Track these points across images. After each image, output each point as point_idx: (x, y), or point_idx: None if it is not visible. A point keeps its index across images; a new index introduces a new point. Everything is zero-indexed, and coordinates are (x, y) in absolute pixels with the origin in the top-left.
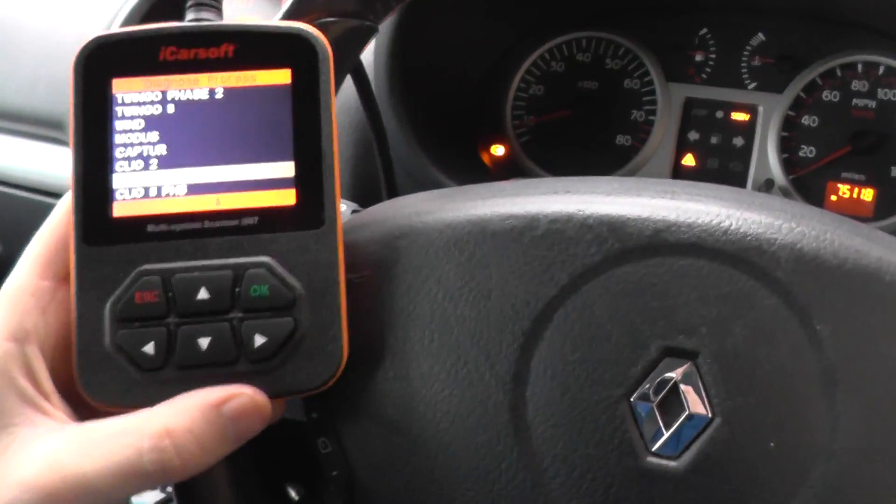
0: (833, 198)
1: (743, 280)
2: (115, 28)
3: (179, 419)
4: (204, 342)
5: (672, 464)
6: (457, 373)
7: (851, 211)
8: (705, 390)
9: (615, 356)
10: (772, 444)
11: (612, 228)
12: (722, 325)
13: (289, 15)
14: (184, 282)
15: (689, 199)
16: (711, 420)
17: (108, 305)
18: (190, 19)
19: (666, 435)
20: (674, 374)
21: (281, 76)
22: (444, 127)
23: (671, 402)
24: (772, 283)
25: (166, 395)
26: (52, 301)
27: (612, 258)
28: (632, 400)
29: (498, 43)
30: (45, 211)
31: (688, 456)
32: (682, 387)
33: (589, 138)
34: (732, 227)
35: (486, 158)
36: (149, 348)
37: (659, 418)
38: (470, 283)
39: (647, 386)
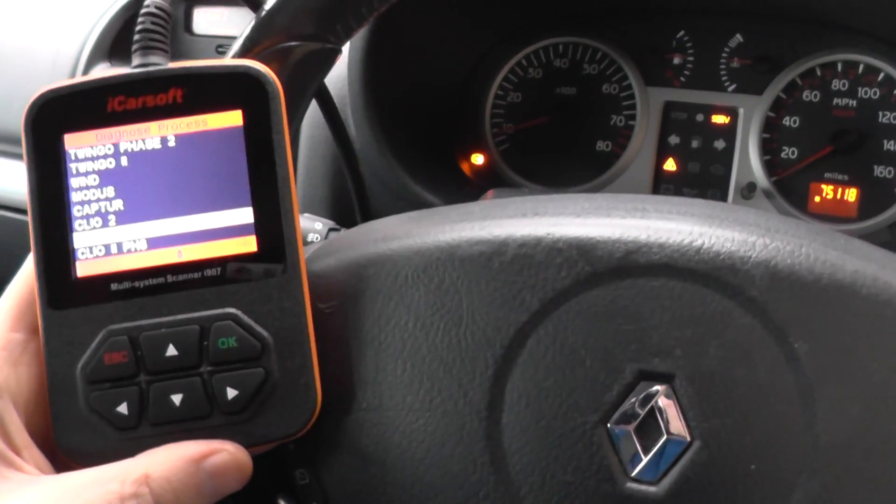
0: (817, 199)
1: (717, 300)
2: (67, 77)
3: (158, 468)
4: (176, 398)
5: (652, 489)
6: (430, 402)
7: (835, 212)
8: (683, 413)
9: (590, 381)
10: (752, 466)
11: (581, 251)
12: (697, 347)
13: (249, 41)
14: (151, 340)
15: (660, 217)
16: (690, 443)
17: (78, 368)
18: (136, 64)
19: (645, 460)
20: (651, 398)
21: (232, 118)
22: (422, 138)
23: (649, 427)
24: (746, 302)
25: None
26: (24, 353)
27: (583, 282)
28: (608, 425)
29: (473, 50)
30: (26, 230)
31: (668, 480)
32: (659, 410)
33: (569, 145)
34: (705, 246)
35: (465, 168)
36: (122, 408)
37: (637, 443)
38: (441, 311)
39: (624, 410)
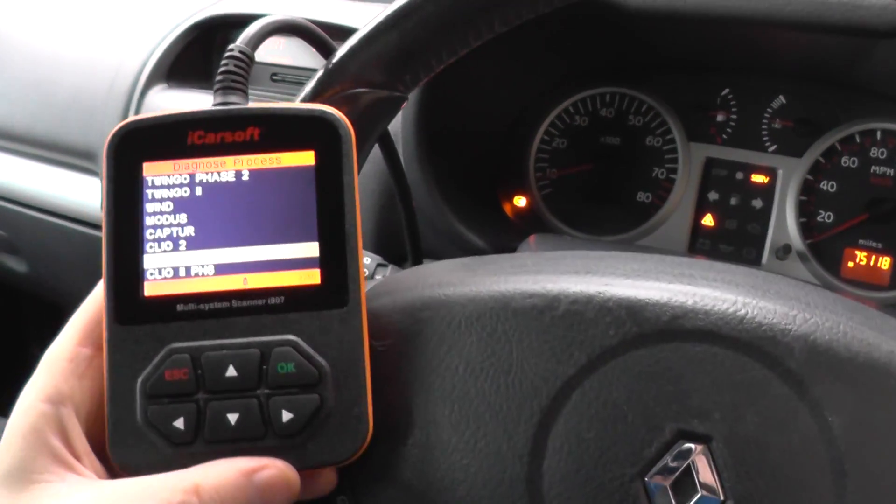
0: (850, 264)
1: (757, 368)
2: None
3: (209, 479)
4: (232, 418)
5: None
6: (475, 444)
7: (868, 278)
8: (717, 473)
9: (630, 436)
10: None
11: (630, 312)
12: (735, 412)
13: (320, 85)
14: (213, 360)
15: (706, 284)
16: (723, 502)
17: (139, 382)
18: (217, 103)
19: None
20: (687, 456)
21: (305, 158)
22: (468, 178)
23: (684, 484)
24: (785, 373)
25: None
26: (90, 367)
27: (630, 341)
28: (645, 479)
29: (522, 96)
30: (70, 236)
31: None
32: (695, 468)
33: (610, 193)
34: (748, 316)
35: (507, 209)
36: (179, 423)
37: (672, 498)
38: (491, 358)
39: (661, 466)
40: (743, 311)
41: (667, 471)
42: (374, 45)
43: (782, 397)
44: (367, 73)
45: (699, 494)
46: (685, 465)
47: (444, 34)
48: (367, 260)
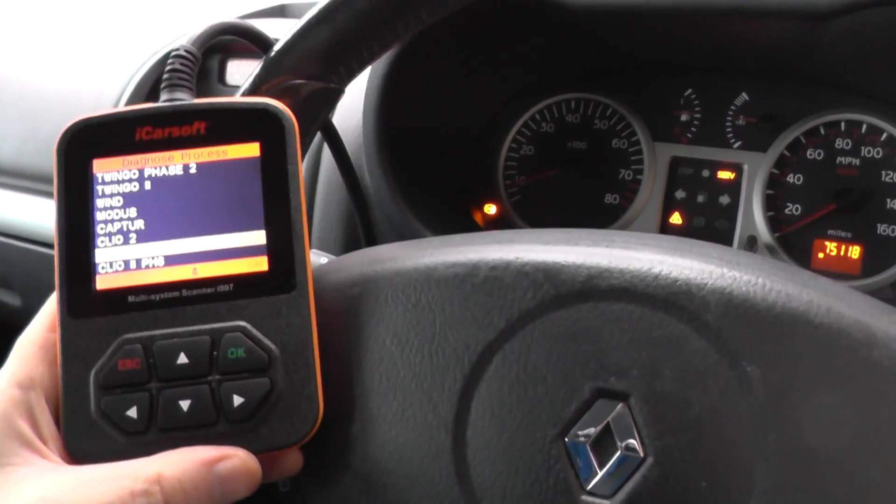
0: (820, 255)
1: (673, 324)
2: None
3: (171, 469)
4: (185, 405)
5: (606, 503)
6: (402, 414)
7: (839, 268)
8: (637, 431)
9: (550, 397)
10: (703, 484)
11: (547, 275)
12: (652, 368)
13: (258, 79)
14: (164, 348)
15: (624, 247)
16: (644, 459)
17: (92, 374)
18: (164, 99)
19: (600, 474)
20: (606, 415)
21: (250, 150)
22: (436, 187)
23: (605, 443)
24: (701, 326)
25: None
26: None
27: (548, 303)
28: (566, 440)
29: (489, 104)
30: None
31: (621, 495)
32: (615, 427)
33: (578, 197)
34: (663, 273)
35: (477, 217)
36: (132, 413)
37: (593, 458)
38: (416, 328)
39: (581, 426)
40: (658, 269)
41: (586, 431)
42: (306, 39)
43: (699, 351)
44: (303, 65)
45: (619, 453)
46: (604, 424)
47: (373, 26)
48: (324, 259)
